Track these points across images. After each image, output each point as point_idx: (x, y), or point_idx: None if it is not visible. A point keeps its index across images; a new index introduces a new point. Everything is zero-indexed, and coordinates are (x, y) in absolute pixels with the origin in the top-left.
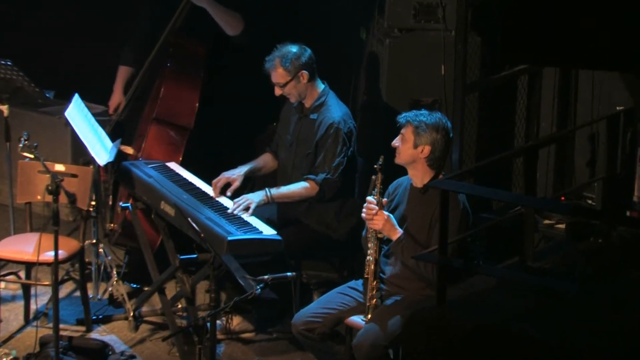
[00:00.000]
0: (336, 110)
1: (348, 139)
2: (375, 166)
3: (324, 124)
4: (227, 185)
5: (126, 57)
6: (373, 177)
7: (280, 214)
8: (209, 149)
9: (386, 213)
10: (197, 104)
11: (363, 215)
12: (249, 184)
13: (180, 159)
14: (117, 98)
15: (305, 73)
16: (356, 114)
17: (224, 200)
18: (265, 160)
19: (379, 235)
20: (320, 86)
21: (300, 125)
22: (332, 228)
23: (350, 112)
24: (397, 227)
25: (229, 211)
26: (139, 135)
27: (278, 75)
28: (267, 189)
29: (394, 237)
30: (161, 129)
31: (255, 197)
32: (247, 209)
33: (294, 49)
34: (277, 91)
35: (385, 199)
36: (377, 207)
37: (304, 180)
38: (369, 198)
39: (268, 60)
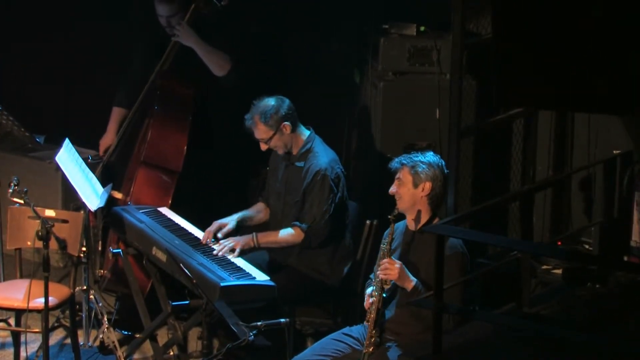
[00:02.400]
0: (323, 157)
1: (335, 185)
2: (390, 217)
3: (311, 171)
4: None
5: (120, 98)
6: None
7: (271, 259)
8: (200, 192)
9: (398, 262)
10: (185, 147)
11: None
12: (240, 231)
13: (170, 202)
14: (109, 139)
15: (287, 124)
16: (350, 158)
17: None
18: (258, 209)
19: (385, 286)
20: (305, 133)
21: (288, 173)
22: (325, 274)
23: (337, 157)
24: (411, 275)
25: (215, 252)
26: (128, 178)
27: (260, 131)
28: (254, 233)
29: (409, 286)
30: (149, 173)
31: (241, 240)
32: (232, 250)
33: (271, 101)
34: (263, 147)
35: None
36: (393, 261)
37: (291, 227)
38: (382, 247)
39: (247, 118)
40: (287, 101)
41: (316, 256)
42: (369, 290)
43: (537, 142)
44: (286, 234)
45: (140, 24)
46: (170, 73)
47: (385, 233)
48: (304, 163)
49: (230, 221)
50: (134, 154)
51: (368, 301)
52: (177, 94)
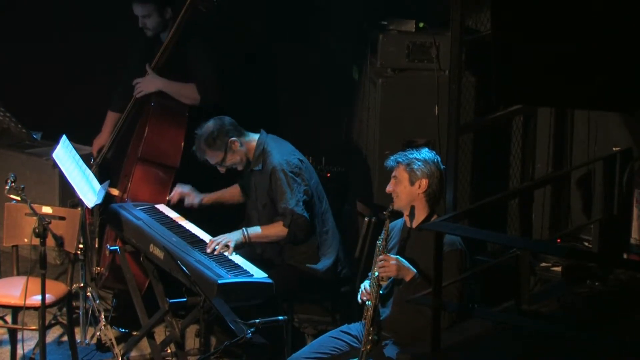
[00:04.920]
0: (276, 154)
1: (296, 175)
2: (385, 213)
3: (268, 172)
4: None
5: (115, 103)
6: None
7: (261, 256)
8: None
9: (394, 256)
10: (182, 142)
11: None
12: (241, 223)
13: (167, 198)
14: (103, 139)
15: (233, 140)
16: (349, 155)
17: (205, 237)
18: (232, 193)
19: (382, 282)
20: (255, 137)
21: (254, 180)
22: (313, 264)
23: (293, 148)
24: (410, 266)
25: (209, 251)
26: (124, 175)
27: (212, 157)
28: (244, 229)
29: (409, 277)
30: (147, 169)
31: (233, 237)
32: (226, 246)
33: (211, 125)
34: (222, 170)
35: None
36: (389, 257)
37: (276, 221)
38: (378, 243)
39: (195, 150)
40: (226, 119)
41: (301, 247)
42: (365, 285)
43: (537, 139)
44: (275, 227)
45: (136, 30)
46: (167, 69)
47: (382, 230)
48: (261, 165)
49: (197, 196)
50: (129, 151)
51: (362, 294)
52: None
